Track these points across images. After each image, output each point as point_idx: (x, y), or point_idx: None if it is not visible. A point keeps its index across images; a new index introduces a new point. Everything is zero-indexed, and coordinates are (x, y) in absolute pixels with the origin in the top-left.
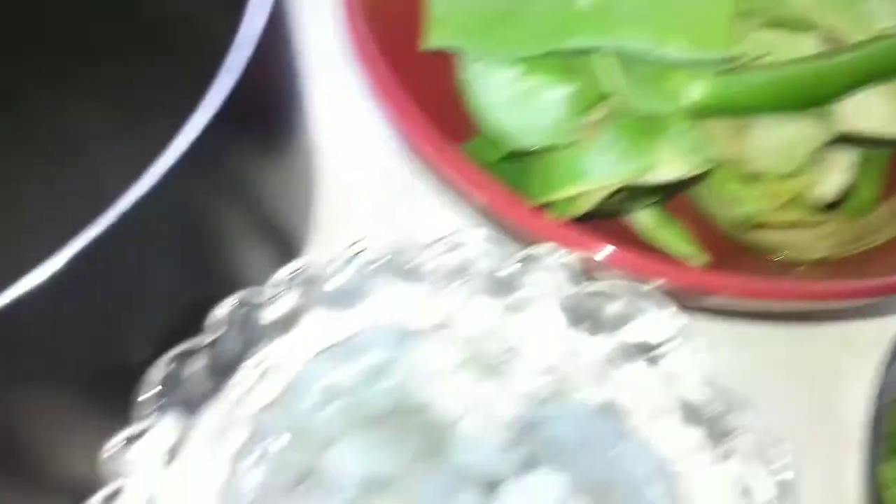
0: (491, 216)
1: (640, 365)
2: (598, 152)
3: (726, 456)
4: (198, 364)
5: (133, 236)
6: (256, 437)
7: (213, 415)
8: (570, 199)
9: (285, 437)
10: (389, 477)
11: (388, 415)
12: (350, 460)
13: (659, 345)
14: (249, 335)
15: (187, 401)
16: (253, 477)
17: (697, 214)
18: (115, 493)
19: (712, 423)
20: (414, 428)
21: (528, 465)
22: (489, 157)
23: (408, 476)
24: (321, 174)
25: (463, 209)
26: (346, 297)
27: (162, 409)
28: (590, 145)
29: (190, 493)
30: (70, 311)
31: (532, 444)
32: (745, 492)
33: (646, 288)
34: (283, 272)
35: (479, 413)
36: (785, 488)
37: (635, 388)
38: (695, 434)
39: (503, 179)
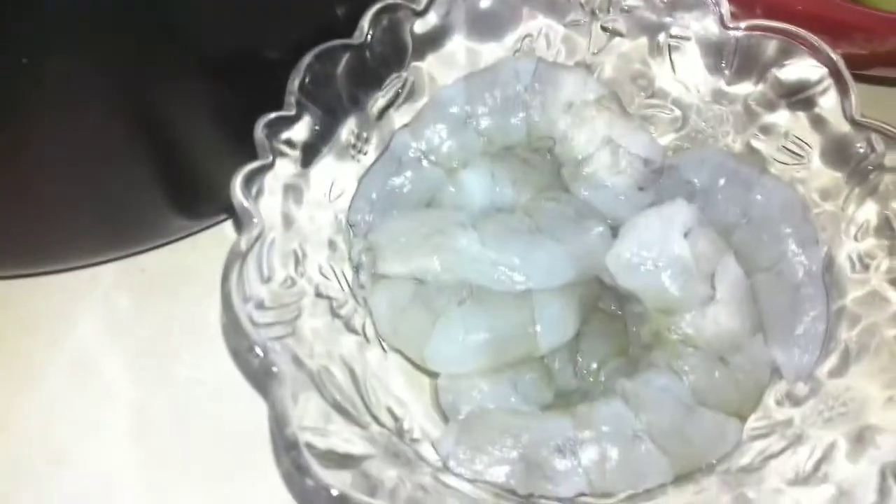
0: None
1: (784, 113)
2: None
3: (868, 195)
4: (343, 68)
5: None
6: (392, 152)
7: (350, 125)
8: None
9: (419, 153)
10: (514, 205)
11: (519, 146)
12: (479, 185)
13: (808, 87)
14: (395, 45)
15: (328, 105)
16: (391, 185)
17: None
18: (257, 189)
19: (857, 162)
20: (542, 162)
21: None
22: None
23: (532, 205)
24: None
25: None
26: (491, 23)
27: (303, 107)
28: None
29: (319, 199)
30: None
31: (661, 189)
32: (887, 223)
33: (798, 31)
34: None
35: (609, 152)
36: None
37: (778, 134)
38: (837, 176)
39: None
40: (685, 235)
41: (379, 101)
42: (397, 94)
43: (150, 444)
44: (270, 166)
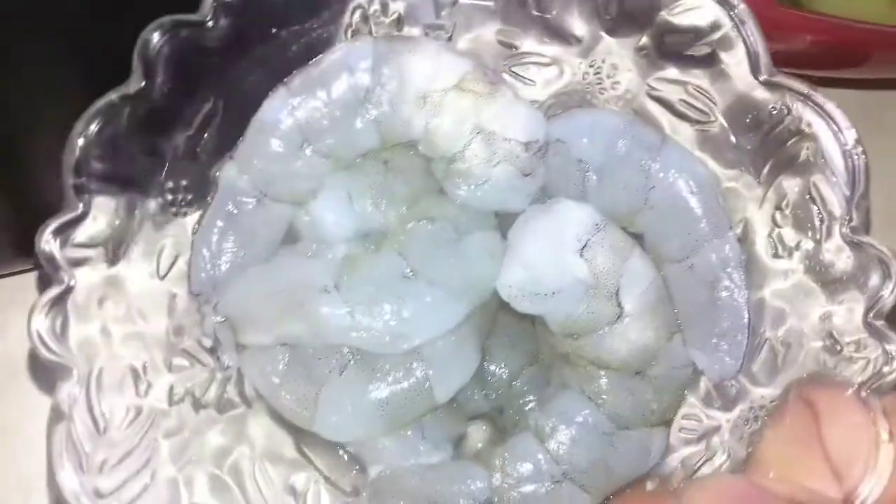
0: None
1: (674, 69)
2: None
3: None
4: (126, 122)
5: None
6: (222, 197)
7: (158, 182)
8: None
9: (255, 192)
10: (384, 228)
11: (375, 153)
12: (334, 214)
13: (706, 35)
14: (188, 70)
15: (122, 174)
16: (228, 238)
17: None
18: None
19: (770, 128)
20: (407, 163)
21: (541, 200)
22: None
23: (406, 225)
24: None
25: None
26: (304, 3)
27: (90, 192)
28: None
29: (145, 285)
30: None
31: (550, 169)
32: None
33: None
34: None
35: (483, 140)
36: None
37: (675, 89)
38: (747, 143)
39: None
40: (581, 252)
41: (183, 140)
42: (206, 125)
43: None
44: (68, 290)
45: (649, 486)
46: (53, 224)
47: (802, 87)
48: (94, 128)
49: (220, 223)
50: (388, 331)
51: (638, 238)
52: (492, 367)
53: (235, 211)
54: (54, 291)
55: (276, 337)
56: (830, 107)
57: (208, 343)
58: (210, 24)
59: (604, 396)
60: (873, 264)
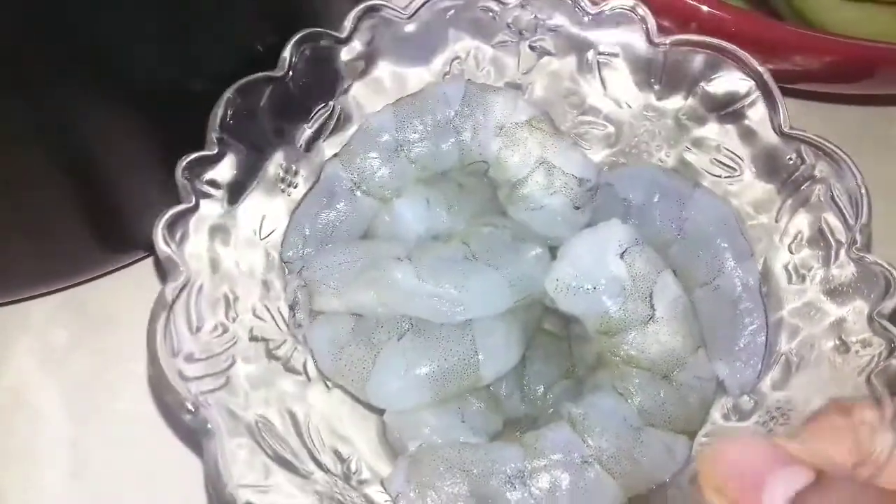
0: None
1: (714, 126)
2: None
3: (800, 205)
4: (266, 101)
5: None
6: (323, 184)
7: (278, 158)
8: None
9: (351, 184)
10: (452, 232)
11: (453, 171)
12: (413, 214)
13: (737, 100)
14: (320, 74)
15: (253, 140)
16: (321, 218)
17: None
18: (181, 234)
19: (789, 173)
20: (477, 186)
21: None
22: None
23: (468, 232)
24: None
25: None
26: (417, 47)
27: (226, 144)
28: None
29: (249, 237)
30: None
31: (598, 207)
32: (821, 234)
33: (725, 45)
34: (359, 10)
35: (543, 173)
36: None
37: (709, 148)
38: (769, 188)
39: None
40: (622, 256)
41: (306, 132)
42: (325, 124)
43: (87, 481)
44: (194, 209)
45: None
46: (191, 157)
47: (815, 139)
48: (238, 96)
49: (317, 205)
50: (449, 298)
51: None
52: (530, 372)
53: (332, 197)
54: (181, 206)
55: (347, 305)
56: (838, 153)
57: (287, 308)
58: (345, 37)
59: (633, 392)
60: (876, 278)
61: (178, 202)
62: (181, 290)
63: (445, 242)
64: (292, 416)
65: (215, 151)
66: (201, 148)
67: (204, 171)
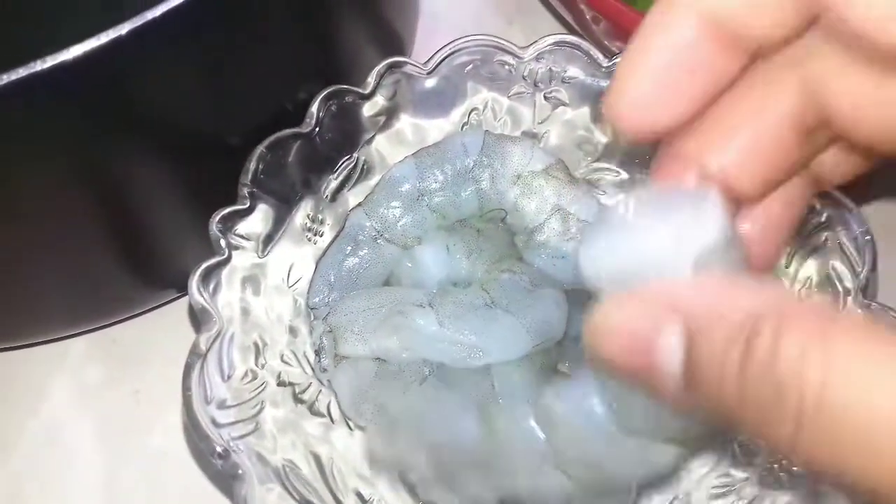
0: (599, 34)
1: None
2: None
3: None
4: (294, 155)
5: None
6: (347, 233)
7: (304, 209)
8: None
9: (374, 232)
10: (471, 278)
11: (473, 218)
12: (434, 260)
13: None
14: (345, 129)
15: (282, 192)
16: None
17: None
18: (214, 284)
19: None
20: (496, 232)
21: None
22: None
23: (487, 279)
24: None
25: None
26: (437, 100)
27: (256, 198)
28: None
29: (278, 285)
30: (179, 73)
31: None
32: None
33: None
34: (382, 66)
35: (560, 218)
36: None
37: None
38: None
39: None
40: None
41: (332, 183)
42: (349, 175)
43: None
44: (227, 261)
45: None
46: (224, 211)
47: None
48: (268, 151)
49: (341, 253)
50: (469, 344)
51: None
52: None
53: (356, 246)
54: (215, 259)
55: (372, 350)
56: (845, 202)
57: (312, 353)
58: (368, 93)
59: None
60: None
61: (210, 249)
62: (214, 339)
63: (465, 289)
64: (317, 458)
65: (247, 205)
66: (232, 195)
67: (235, 223)
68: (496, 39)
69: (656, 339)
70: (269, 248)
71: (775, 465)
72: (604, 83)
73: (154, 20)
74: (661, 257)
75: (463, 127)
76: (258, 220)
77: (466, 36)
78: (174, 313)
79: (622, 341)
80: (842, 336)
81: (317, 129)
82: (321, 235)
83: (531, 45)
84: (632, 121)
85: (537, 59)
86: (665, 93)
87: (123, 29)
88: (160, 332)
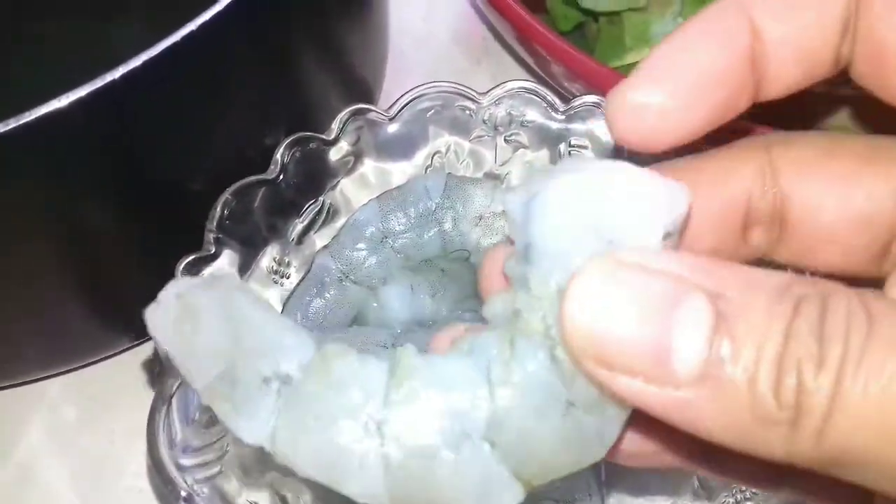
0: (559, 76)
1: None
2: (668, 18)
3: None
4: (260, 201)
5: (216, 56)
6: (314, 275)
7: (271, 252)
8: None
9: (340, 274)
10: (436, 318)
11: (435, 261)
12: (399, 300)
13: None
14: (309, 174)
15: (247, 237)
16: (313, 307)
17: None
18: None
19: None
20: (460, 271)
21: None
22: (562, 27)
23: (450, 318)
24: (395, 32)
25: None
26: (400, 145)
27: (222, 244)
28: (660, 11)
29: None
30: (145, 123)
31: None
32: None
33: None
34: (346, 114)
35: None
36: None
37: None
38: None
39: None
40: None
41: (298, 226)
42: (315, 218)
43: None
44: None
45: None
46: (190, 257)
47: None
48: (234, 198)
49: (308, 295)
50: None
51: None
52: None
53: (322, 287)
54: None
55: None
56: None
57: None
58: (332, 139)
59: None
60: None
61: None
62: (179, 384)
63: (429, 328)
64: (283, 500)
65: (212, 251)
66: (199, 241)
67: (201, 268)
68: (456, 86)
69: (671, 315)
70: None
71: (735, 501)
72: (562, 126)
73: (123, 76)
74: (638, 221)
75: (427, 170)
76: (224, 265)
77: (427, 83)
78: (148, 353)
79: (624, 319)
80: (876, 304)
81: (281, 175)
82: (288, 277)
83: (490, 90)
84: (647, 131)
85: (496, 104)
86: (693, 103)
87: (94, 86)
88: (134, 372)
